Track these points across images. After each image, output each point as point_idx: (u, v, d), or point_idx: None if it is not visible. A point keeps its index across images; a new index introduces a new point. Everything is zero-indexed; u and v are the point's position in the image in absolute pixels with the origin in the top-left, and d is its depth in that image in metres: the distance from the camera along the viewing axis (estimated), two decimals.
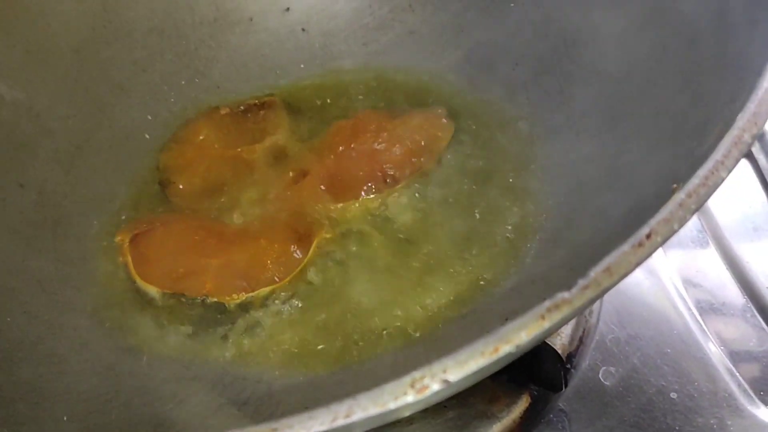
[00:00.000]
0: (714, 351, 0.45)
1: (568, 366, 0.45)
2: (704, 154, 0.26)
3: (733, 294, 0.47)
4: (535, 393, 0.43)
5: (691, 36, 0.37)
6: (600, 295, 0.24)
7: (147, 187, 0.51)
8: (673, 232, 0.24)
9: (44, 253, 0.47)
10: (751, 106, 0.26)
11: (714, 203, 0.52)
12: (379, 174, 0.47)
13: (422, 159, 0.48)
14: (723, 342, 0.45)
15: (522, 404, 0.43)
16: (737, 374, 0.43)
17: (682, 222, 0.24)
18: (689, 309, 0.47)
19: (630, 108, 0.41)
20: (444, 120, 0.50)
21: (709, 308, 0.47)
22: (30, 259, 0.45)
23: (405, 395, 0.22)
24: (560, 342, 0.45)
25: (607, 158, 0.41)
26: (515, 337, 0.23)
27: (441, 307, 0.41)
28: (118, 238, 0.46)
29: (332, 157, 0.49)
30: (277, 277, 0.44)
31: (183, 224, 0.46)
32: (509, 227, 0.44)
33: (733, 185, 0.53)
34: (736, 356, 0.44)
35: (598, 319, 0.47)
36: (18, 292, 0.43)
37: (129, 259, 0.44)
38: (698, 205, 0.25)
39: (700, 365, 0.44)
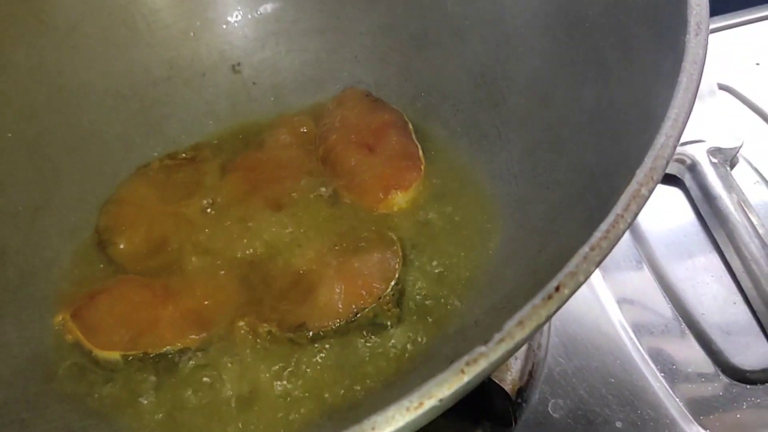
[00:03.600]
0: (655, 377, 0.47)
1: (519, 401, 0.46)
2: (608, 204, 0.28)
3: (671, 319, 0.50)
4: (488, 429, 0.45)
5: (598, 92, 0.40)
6: (515, 348, 0.26)
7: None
8: (580, 284, 0.26)
9: (6, 318, 0.48)
10: (647, 162, 0.28)
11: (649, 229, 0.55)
12: None
13: None
14: (663, 368, 0.47)
15: None
16: (676, 399, 0.45)
17: (588, 274, 0.26)
18: (630, 338, 0.49)
19: (551, 156, 0.43)
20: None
21: (649, 334, 0.49)
22: None
23: None
24: (510, 377, 0.47)
25: (541, 206, 0.44)
26: (438, 392, 0.25)
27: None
28: (58, 319, 0.46)
29: None
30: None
31: (125, 286, 0.47)
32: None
33: (666, 212, 0.56)
34: (676, 381, 0.46)
35: (546, 353, 0.49)
36: None
37: (78, 334, 0.44)
38: (602, 256, 0.27)
39: (641, 392, 0.46)
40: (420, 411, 0.24)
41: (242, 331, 0.44)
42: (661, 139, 0.29)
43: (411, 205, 0.50)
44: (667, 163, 0.29)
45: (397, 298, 0.45)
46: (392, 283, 0.45)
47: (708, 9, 0.34)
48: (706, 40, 0.32)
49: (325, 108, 0.57)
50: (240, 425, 0.41)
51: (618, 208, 0.27)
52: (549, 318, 0.26)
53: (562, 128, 0.43)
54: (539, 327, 0.26)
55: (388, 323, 0.44)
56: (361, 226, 0.49)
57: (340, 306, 0.44)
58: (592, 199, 0.36)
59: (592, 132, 0.40)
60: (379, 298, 0.44)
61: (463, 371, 0.25)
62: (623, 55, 0.38)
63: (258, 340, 0.44)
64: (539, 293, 0.26)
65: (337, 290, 0.45)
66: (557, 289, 0.26)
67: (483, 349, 0.25)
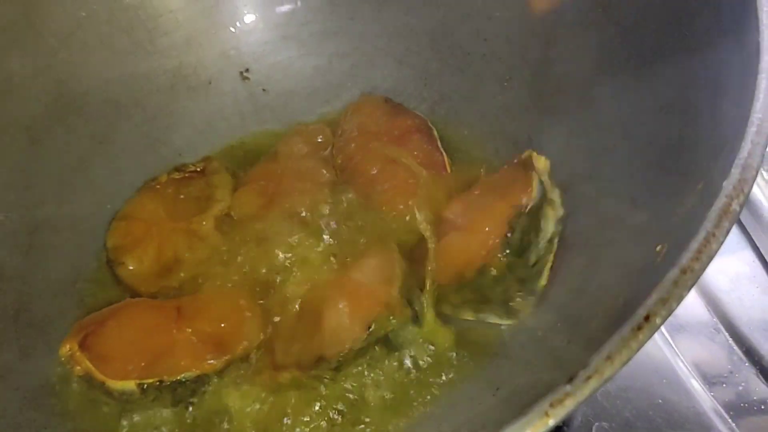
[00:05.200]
0: (705, 398, 0.44)
1: (561, 424, 0.43)
2: (688, 218, 0.26)
3: (718, 337, 0.47)
4: None
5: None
6: (602, 385, 0.23)
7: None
8: (672, 311, 0.24)
9: (6, 346, 0.44)
10: (735, 173, 0.26)
11: None
12: None
13: None
14: (712, 388, 0.44)
15: None
16: (729, 421, 0.43)
17: (680, 299, 0.24)
18: (676, 355, 0.46)
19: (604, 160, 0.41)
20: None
21: (695, 351, 0.47)
22: None
23: None
24: None
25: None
26: None
27: None
28: (65, 349, 0.42)
29: None
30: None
31: (134, 310, 0.44)
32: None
33: None
34: (728, 403, 0.44)
35: None
36: None
37: (88, 364, 0.41)
38: (694, 280, 0.24)
39: (692, 413, 0.43)
40: None
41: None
42: (747, 147, 0.26)
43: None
44: (757, 173, 0.26)
45: (408, 298, 0.42)
46: (398, 284, 0.42)
47: None
48: None
49: (342, 115, 0.54)
50: None
51: (708, 225, 0.25)
52: (638, 351, 0.23)
53: (610, 132, 0.41)
54: (627, 361, 0.23)
55: (408, 327, 0.41)
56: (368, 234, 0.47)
57: (350, 323, 0.41)
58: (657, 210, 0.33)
59: (650, 141, 0.37)
60: (388, 303, 0.41)
61: (547, 414, 0.22)
62: (687, 52, 0.35)
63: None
64: (626, 323, 0.23)
65: (342, 308, 0.41)
66: (647, 318, 0.23)
67: (568, 388, 0.22)
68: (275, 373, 0.41)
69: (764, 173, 0.51)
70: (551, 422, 0.22)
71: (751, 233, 0.51)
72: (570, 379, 0.23)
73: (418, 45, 0.56)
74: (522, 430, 0.22)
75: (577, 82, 0.45)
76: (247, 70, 0.59)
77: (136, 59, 0.57)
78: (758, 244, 0.50)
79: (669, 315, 0.24)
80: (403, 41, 0.57)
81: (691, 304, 0.49)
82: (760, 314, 0.47)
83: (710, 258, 0.24)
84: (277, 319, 0.43)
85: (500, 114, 0.51)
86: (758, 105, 0.27)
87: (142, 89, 0.57)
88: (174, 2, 0.58)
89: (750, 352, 0.46)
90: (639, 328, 0.23)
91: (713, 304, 0.48)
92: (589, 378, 0.23)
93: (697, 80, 0.34)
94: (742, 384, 0.45)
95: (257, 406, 0.41)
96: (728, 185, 0.25)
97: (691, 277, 0.24)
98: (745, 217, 0.51)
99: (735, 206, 0.25)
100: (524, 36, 0.49)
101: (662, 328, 0.48)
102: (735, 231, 0.52)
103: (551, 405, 0.22)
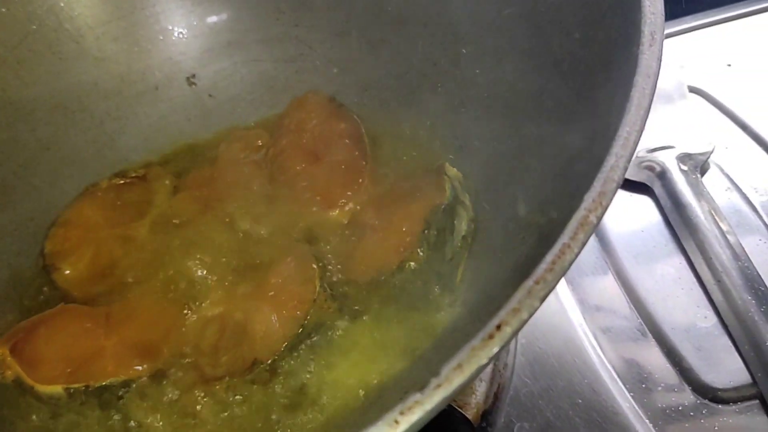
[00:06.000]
0: (623, 396, 0.45)
1: (484, 425, 0.44)
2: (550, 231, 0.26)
3: (640, 336, 0.48)
4: None
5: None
6: (453, 394, 0.24)
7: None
8: (524, 321, 0.24)
9: None
10: (596, 186, 0.26)
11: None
12: None
13: None
14: (632, 387, 0.45)
15: None
16: (646, 421, 0.43)
17: (532, 310, 0.24)
18: (598, 354, 0.47)
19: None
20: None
21: (617, 350, 0.47)
22: None
23: None
24: (475, 400, 0.45)
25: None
26: None
27: None
28: None
29: None
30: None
31: (64, 316, 0.45)
32: None
33: (634, 221, 0.54)
34: (645, 401, 0.44)
35: (512, 374, 0.47)
36: None
37: (18, 369, 0.42)
38: (547, 290, 0.25)
39: (610, 413, 0.44)
40: None
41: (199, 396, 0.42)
42: (611, 161, 0.27)
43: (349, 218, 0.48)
44: (617, 186, 0.27)
45: (331, 294, 0.43)
46: (317, 281, 0.43)
47: (663, 17, 0.32)
48: (660, 51, 0.30)
49: (285, 109, 0.55)
50: None
51: (564, 237, 0.25)
52: (491, 360, 0.24)
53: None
54: (480, 370, 0.24)
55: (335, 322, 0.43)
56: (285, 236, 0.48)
57: (279, 327, 0.42)
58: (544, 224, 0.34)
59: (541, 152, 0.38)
60: (314, 301, 0.42)
61: (396, 421, 0.23)
62: (570, 66, 0.36)
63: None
64: (479, 333, 0.24)
65: (267, 314, 0.43)
66: (498, 327, 0.24)
67: (418, 396, 0.23)
68: (208, 387, 0.42)
69: (692, 175, 0.52)
70: (400, 429, 0.23)
71: (679, 236, 0.52)
72: (421, 388, 0.23)
73: (359, 51, 0.57)
74: None
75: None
76: (193, 76, 0.60)
77: (84, 65, 0.58)
78: (685, 247, 0.51)
79: (521, 325, 0.24)
80: (346, 48, 0.58)
81: (618, 306, 0.50)
82: (683, 318, 0.48)
83: (564, 269, 0.25)
84: (195, 336, 0.44)
85: (435, 120, 0.52)
86: (628, 118, 0.28)
87: (90, 95, 0.58)
88: (122, 9, 0.59)
89: (672, 354, 0.47)
90: (490, 337, 0.24)
91: (638, 305, 0.49)
92: (439, 386, 0.23)
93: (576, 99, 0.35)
94: (663, 386, 0.45)
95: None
96: (588, 198, 0.26)
97: (544, 287, 0.25)
98: (673, 219, 0.52)
99: (592, 218, 0.26)
100: (452, 43, 0.50)
101: (587, 328, 0.49)
102: (664, 233, 0.53)
103: (401, 413, 0.23)
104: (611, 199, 0.26)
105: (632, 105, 0.29)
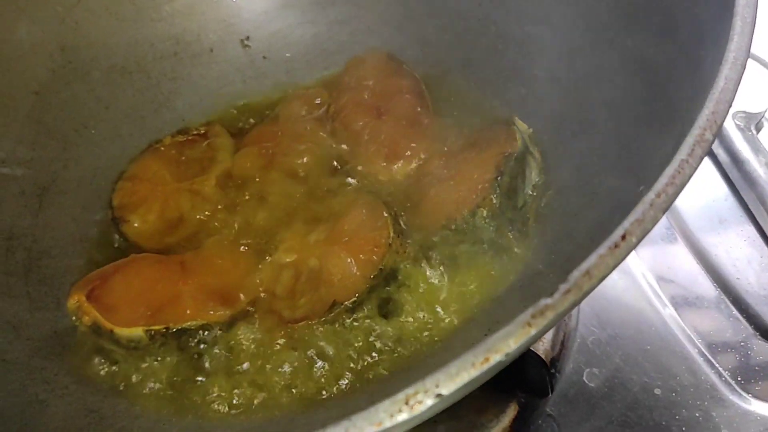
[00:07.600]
0: (692, 344, 0.45)
1: (553, 371, 0.45)
2: (668, 155, 0.27)
3: (706, 286, 0.48)
4: (523, 400, 0.44)
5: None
6: (581, 299, 0.24)
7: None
8: (647, 231, 0.25)
9: (18, 299, 0.46)
10: (709, 106, 0.27)
11: (679, 200, 0.53)
12: None
13: None
14: (700, 335, 0.46)
15: (510, 412, 0.43)
16: (717, 365, 0.44)
17: (654, 221, 0.25)
18: (665, 305, 0.48)
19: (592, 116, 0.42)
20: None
21: (684, 302, 0.48)
22: (3, 305, 0.45)
23: (400, 412, 0.22)
24: (543, 347, 0.46)
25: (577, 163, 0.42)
26: (503, 346, 0.23)
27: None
28: (73, 300, 0.44)
29: None
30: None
31: (139, 264, 0.45)
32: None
33: (696, 181, 0.55)
34: (714, 347, 0.45)
35: (577, 323, 0.47)
36: None
37: (96, 314, 0.42)
38: (668, 203, 0.25)
39: (680, 359, 0.45)
40: (486, 366, 0.23)
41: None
42: (720, 82, 0.28)
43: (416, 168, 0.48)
44: (729, 106, 0.27)
45: (405, 240, 0.44)
46: (390, 227, 0.44)
47: None
48: None
49: (345, 67, 0.56)
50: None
51: (682, 153, 0.26)
52: (614, 268, 0.25)
53: (599, 84, 0.42)
54: (604, 277, 0.25)
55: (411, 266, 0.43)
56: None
57: (357, 270, 0.42)
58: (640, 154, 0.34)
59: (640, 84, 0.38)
60: (389, 245, 0.43)
61: (529, 324, 0.24)
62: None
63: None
64: (605, 242, 0.25)
65: (343, 258, 0.43)
66: (623, 237, 0.25)
67: (549, 300, 0.24)
68: (287, 328, 0.43)
69: (748, 132, 0.53)
70: (533, 332, 0.23)
71: (738, 189, 0.52)
72: (551, 293, 0.24)
73: (415, 11, 0.58)
74: (506, 339, 0.23)
75: (560, 50, 0.46)
76: (247, 38, 0.61)
77: (140, 26, 0.59)
78: (745, 200, 0.52)
79: (644, 235, 0.25)
80: (401, 8, 0.58)
81: (684, 265, 0.50)
82: (754, 276, 0.48)
83: (683, 183, 0.26)
84: (271, 282, 0.45)
85: (494, 78, 0.53)
86: (733, 45, 0.29)
87: (146, 56, 0.59)
88: None
89: (737, 302, 0.47)
90: (616, 246, 0.25)
91: (706, 264, 0.50)
92: (568, 291, 0.24)
93: (676, 28, 0.35)
94: (729, 331, 0.46)
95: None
96: (702, 117, 0.27)
97: (665, 200, 0.25)
98: (732, 174, 0.53)
99: (708, 135, 0.26)
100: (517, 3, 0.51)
101: (654, 279, 0.49)
102: (733, 204, 0.53)
103: (533, 316, 0.24)
104: (724, 119, 0.27)
105: (735, 32, 0.29)
